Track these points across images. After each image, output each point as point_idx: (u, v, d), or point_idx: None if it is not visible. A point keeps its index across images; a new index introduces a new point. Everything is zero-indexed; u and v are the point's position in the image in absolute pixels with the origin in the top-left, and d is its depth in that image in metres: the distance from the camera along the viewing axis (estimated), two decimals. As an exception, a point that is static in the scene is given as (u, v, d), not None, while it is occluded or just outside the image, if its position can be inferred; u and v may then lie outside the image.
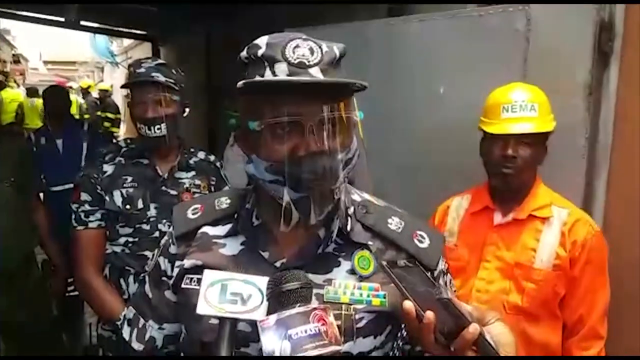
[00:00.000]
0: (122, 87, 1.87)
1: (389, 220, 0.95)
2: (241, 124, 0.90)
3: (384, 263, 0.79)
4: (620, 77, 1.77)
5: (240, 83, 0.83)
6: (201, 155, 2.02)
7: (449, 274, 1.00)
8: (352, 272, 0.90)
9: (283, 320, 0.73)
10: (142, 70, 1.81)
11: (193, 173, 1.94)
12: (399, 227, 0.95)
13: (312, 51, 0.83)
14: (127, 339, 1.05)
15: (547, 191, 1.64)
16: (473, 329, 0.70)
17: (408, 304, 0.74)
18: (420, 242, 0.94)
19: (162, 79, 1.80)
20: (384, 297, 0.89)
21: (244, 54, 0.87)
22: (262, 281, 0.81)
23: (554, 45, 1.81)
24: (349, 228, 0.92)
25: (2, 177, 2.36)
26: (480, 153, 1.68)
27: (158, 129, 1.80)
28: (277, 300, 0.76)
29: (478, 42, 1.98)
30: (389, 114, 2.19)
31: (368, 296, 0.89)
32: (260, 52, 0.84)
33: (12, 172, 2.40)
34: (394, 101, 2.22)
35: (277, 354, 0.71)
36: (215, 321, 0.88)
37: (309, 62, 0.82)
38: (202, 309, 0.80)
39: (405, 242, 0.93)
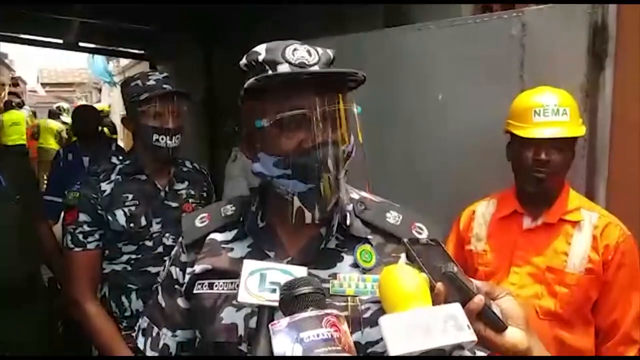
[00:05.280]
0: (143, 101, 1.75)
1: (387, 215, 0.99)
2: (246, 128, 0.94)
3: (405, 240, 0.80)
4: (615, 78, 1.80)
5: (251, 80, 0.86)
6: (189, 165, 2.02)
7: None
8: (355, 265, 0.94)
9: (295, 324, 0.71)
10: (153, 82, 1.79)
11: (187, 183, 1.95)
12: (397, 220, 0.99)
13: (309, 53, 0.89)
14: (141, 348, 1.07)
15: (575, 195, 1.64)
16: (478, 299, 0.73)
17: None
18: (419, 233, 0.98)
19: (175, 89, 1.80)
20: None
21: (243, 61, 0.92)
22: (300, 271, 0.82)
23: (549, 49, 1.84)
24: (348, 222, 0.95)
25: (8, 195, 2.37)
26: (509, 156, 1.67)
27: (177, 139, 1.80)
28: (290, 304, 0.76)
29: (474, 49, 2.00)
30: (387, 123, 2.21)
31: (372, 287, 0.92)
32: (260, 58, 0.89)
33: (16, 190, 2.41)
34: (392, 110, 2.24)
35: None
36: (228, 321, 0.91)
37: (308, 62, 0.88)
38: (242, 297, 0.81)
39: (404, 234, 0.95)
